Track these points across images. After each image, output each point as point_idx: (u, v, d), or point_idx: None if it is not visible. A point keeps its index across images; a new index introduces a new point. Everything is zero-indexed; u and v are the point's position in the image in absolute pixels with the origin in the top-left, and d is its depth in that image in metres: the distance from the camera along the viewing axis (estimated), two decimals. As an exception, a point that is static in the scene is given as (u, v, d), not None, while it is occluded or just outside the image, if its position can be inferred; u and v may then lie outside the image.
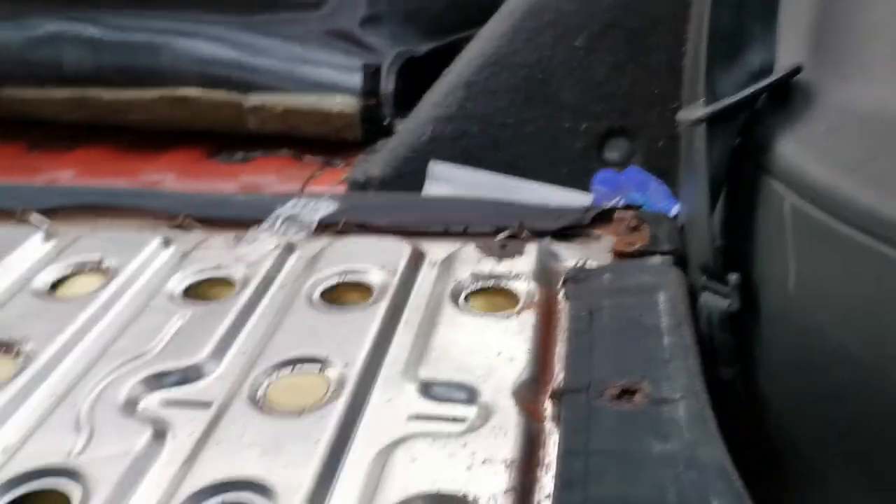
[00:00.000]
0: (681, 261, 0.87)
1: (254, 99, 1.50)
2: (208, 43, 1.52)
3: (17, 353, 0.79)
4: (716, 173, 0.75)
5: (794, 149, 0.69)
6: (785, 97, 0.74)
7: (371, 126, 1.47)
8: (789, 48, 0.77)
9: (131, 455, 0.66)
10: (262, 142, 1.55)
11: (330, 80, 1.48)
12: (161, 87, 1.53)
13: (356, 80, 1.47)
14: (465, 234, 0.97)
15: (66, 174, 1.53)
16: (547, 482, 0.63)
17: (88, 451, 0.66)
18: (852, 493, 0.68)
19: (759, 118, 0.75)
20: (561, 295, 0.86)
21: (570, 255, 0.92)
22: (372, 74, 1.46)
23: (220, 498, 0.62)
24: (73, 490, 0.63)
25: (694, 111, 0.74)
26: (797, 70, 0.74)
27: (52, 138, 1.63)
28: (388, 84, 1.46)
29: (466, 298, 0.85)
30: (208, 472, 0.63)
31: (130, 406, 0.72)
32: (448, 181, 1.24)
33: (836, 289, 0.62)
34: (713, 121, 0.73)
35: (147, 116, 1.56)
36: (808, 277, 0.65)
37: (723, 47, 0.75)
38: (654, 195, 1.20)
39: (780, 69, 0.75)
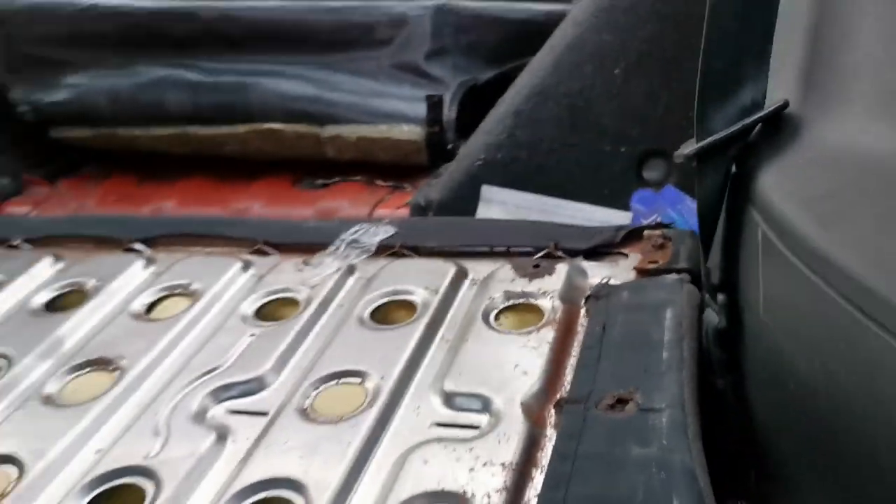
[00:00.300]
0: (696, 278, 0.91)
1: (330, 130, 1.64)
2: (290, 81, 1.67)
3: (114, 369, 0.92)
4: (708, 202, 0.81)
5: (771, 180, 0.74)
6: (775, 130, 0.80)
7: (435, 151, 1.58)
8: (780, 83, 0.82)
9: (196, 456, 0.77)
10: (340, 168, 1.68)
11: (398, 111, 1.60)
12: (250, 122, 1.68)
13: (421, 109, 1.58)
14: (507, 253, 1.05)
15: (169, 204, 1.70)
16: (540, 482, 0.70)
17: (163, 454, 0.78)
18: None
19: (753, 149, 0.81)
20: (584, 311, 0.92)
21: (597, 273, 0.98)
22: (435, 104, 1.57)
23: (262, 494, 0.72)
24: (148, 486, 0.75)
25: (686, 147, 0.81)
26: (784, 105, 0.79)
27: (158, 172, 1.81)
28: (450, 112, 1.57)
29: (497, 316, 0.93)
30: (256, 471, 0.74)
31: (201, 414, 0.84)
32: (500, 203, 1.33)
33: (790, 316, 0.68)
34: (703, 156, 0.80)
35: (239, 148, 1.73)
36: (773, 304, 0.71)
37: (715, 87, 0.80)
38: (688, 213, 1.25)
39: (769, 104, 0.80)
